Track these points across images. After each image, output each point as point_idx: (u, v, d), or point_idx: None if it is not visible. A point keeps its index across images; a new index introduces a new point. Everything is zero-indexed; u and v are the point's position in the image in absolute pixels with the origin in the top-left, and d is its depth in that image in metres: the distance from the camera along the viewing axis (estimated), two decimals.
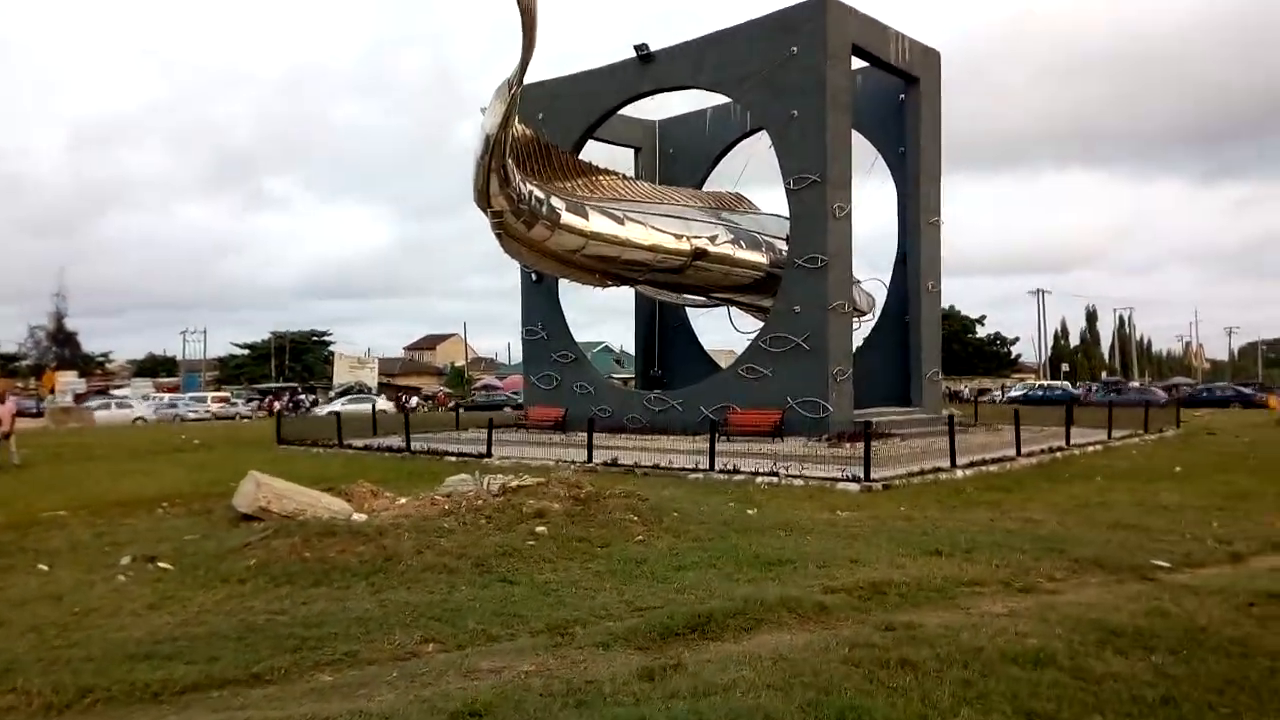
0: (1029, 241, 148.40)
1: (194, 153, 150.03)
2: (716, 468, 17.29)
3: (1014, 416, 20.97)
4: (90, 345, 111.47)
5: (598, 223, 23.54)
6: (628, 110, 32.11)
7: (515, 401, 58.98)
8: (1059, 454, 21.17)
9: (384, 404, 53.19)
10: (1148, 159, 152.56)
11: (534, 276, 27.75)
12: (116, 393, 75.82)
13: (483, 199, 20.95)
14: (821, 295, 22.44)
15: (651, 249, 24.40)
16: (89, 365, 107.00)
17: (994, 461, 18.99)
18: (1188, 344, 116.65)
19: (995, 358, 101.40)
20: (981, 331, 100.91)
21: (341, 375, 76.43)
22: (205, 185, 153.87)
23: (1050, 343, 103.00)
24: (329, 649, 5.89)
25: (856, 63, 25.94)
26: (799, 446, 20.80)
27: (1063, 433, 25.88)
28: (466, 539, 9.17)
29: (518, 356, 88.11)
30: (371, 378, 78.74)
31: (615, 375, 47.93)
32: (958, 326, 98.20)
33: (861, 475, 15.54)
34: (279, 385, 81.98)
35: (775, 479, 16.29)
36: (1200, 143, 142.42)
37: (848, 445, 20.64)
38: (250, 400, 67.69)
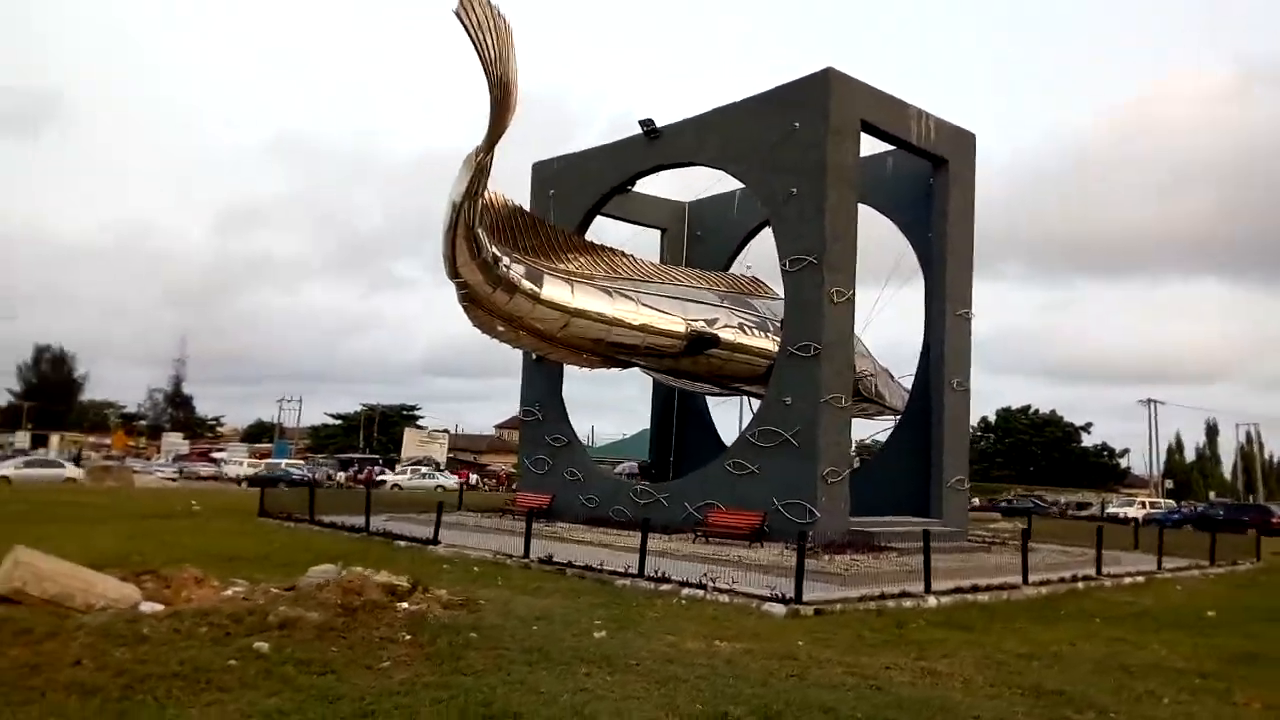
0: (1154, 351, 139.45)
1: (327, 236, 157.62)
2: (646, 573, 15.23)
3: (1022, 536, 18.08)
4: (220, 411, 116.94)
5: (584, 299, 22.19)
6: (657, 190, 31.10)
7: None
8: (1080, 584, 18.12)
9: None
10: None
11: (534, 355, 26.46)
12: (216, 455, 78.32)
13: (451, 268, 19.94)
14: (814, 387, 20.25)
15: (642, 329, 22.82)
16: (200, 428, 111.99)
17: (989, 589, 16.28)
18: None
19: (1102, 469, 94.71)
20: (1088, 440, 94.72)
21: (410, 449, 76.96)
22: (338, 267, 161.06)
23: (1163, 457, 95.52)
24: None
25: (880, 145, 24.28)
26: (773, 554, 18.46)
27: (1132, 557, 22.55)
28: (156, 651, 7.56)
29: (602, 438, 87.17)
30: (440, 453, 78.99)
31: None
32: (1060, 434, 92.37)
33: (792, 595, 13.25)
34: (359, 456, 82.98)
35: (701, 591, 14.13)
36: None
37: (828, 557, 18.20)
38: (321, 468, 67.77)
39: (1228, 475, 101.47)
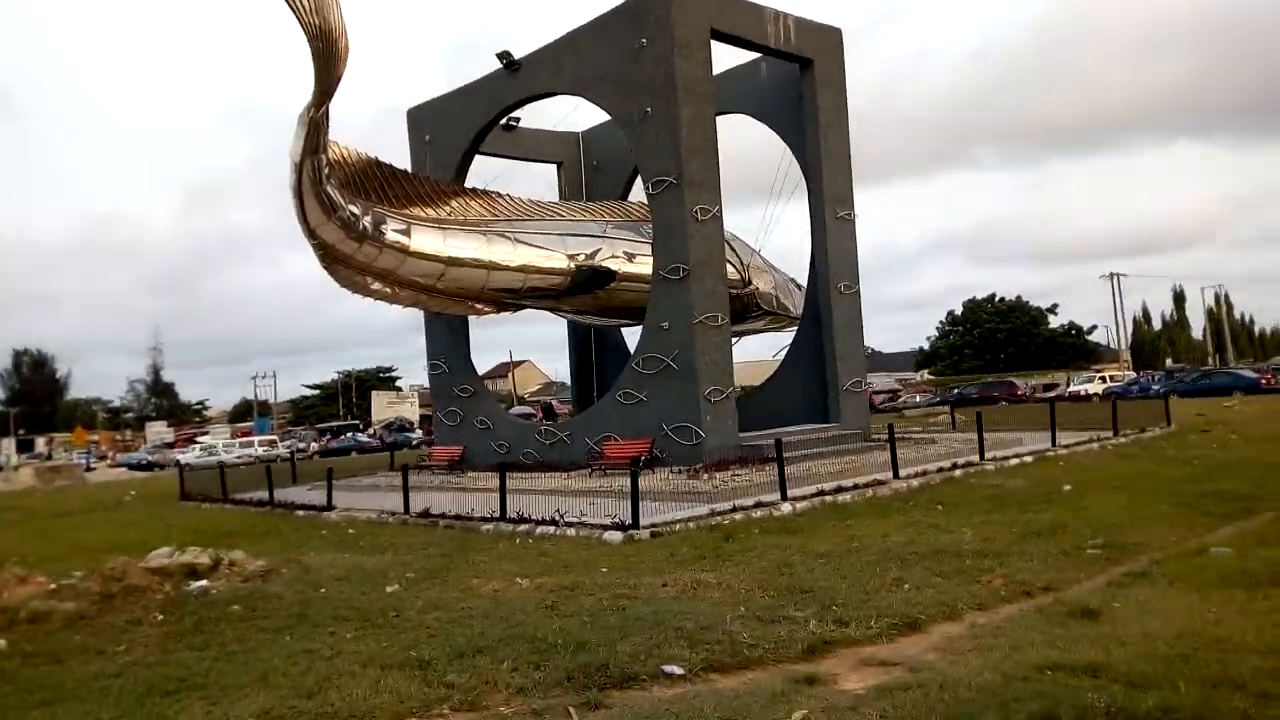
0: (1130, 224, 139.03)
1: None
2: (508, 515, 15.36)
3: (889, 432, 18.23)
4: (207, 394, 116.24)
5: (457, 245, 21.96)
6: (550, 123, 30.54)
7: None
8: (959, 471, 18.29)
9: None
10: (1252, 129, 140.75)
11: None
12: (200, 439, 78.44)
13: (306, 229, 19.66)
14: (686, 309, 20.20)
15: (522, 270, 22.65)
16: (185, 414, 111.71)
17: (856, 488, 16.42)
18: None
19: (1071, 349, 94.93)
20: (1056, 321, 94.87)
21: (380, 412, 77.07)
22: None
23: (1130, 329, 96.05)
24: None
25: (736, 54, 23.74)
26: (658, 480, 18.58)
27: (1036, 436, 22.74)
28: None
29: None
30: (413, 412, 79.14)
31: None
32: (1026, 319, 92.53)
33: (630, 521, 13.39)
34: (338, 424, 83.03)
35: (553, 528, 14.29)
36: None
37: (707, 475, 18.39)
38: (301, 441, 67.53)
39: (1198, 339, 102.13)
